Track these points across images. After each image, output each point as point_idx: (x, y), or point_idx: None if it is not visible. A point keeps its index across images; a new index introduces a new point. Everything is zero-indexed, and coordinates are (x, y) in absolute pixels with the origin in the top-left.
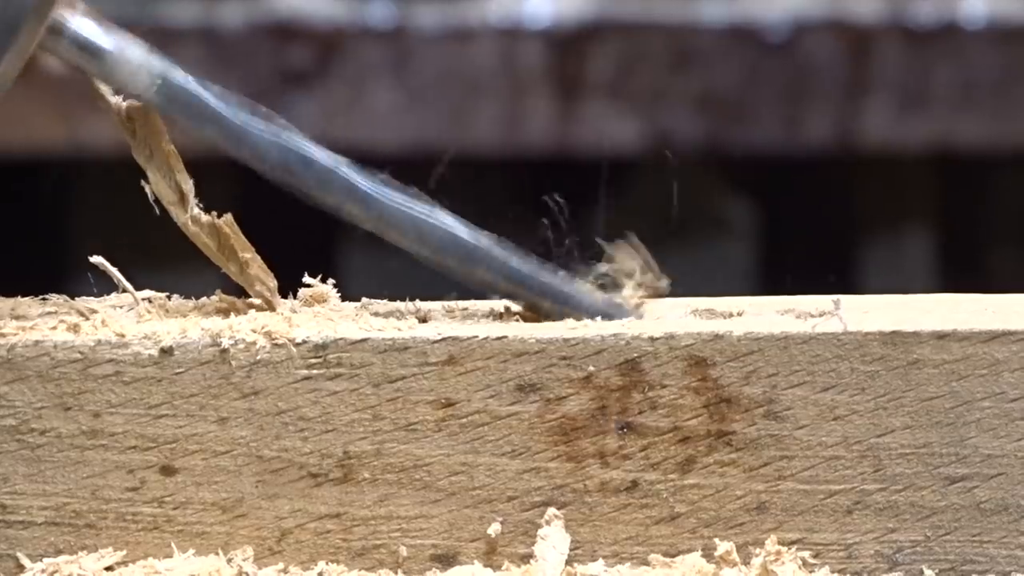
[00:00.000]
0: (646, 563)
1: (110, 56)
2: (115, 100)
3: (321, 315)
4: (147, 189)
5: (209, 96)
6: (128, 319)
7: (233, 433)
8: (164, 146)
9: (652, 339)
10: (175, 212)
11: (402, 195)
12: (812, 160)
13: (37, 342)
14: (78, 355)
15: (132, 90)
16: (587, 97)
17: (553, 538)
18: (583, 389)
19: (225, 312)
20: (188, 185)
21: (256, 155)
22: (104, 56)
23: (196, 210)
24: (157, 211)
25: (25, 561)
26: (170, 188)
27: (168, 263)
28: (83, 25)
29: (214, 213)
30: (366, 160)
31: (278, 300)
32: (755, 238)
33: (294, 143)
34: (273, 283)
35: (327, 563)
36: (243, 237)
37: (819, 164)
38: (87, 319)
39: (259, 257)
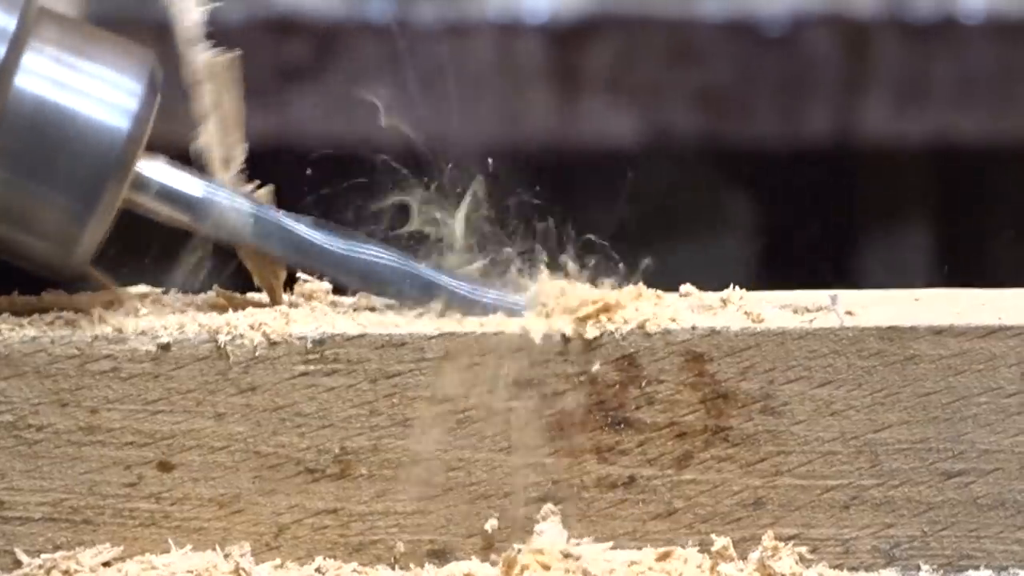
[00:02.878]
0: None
1: (200, 204)
2: (202, 56)
3: (318, 311)
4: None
5: (303, 228)
6: (125, 315)
7: (230, 429)
8: (233, 103)
9: (649, 334)
10: (216, 171)
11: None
12: (810, 155)
13: (34, 338)
14: (75, 351)
15: (225, 233)
16: (586, 92)
17: (550, 533)
18: (580, 385)
19: (222, 308)
20: (240, 149)
21: (358, 279)
22: (194, 205)
23: (237, 175)
24: (196, 166)
25: (22, 557)
26: (221, 145)
27: (165, 258)
28: (168, 176)
29: (256, 182)
30: (365, 155)
31: (280, 293)
32: (753, 233)
33: (391, 262)
34: (284, 273)
35: (324, 558)
36: None
37: (817, 159)
38: (84, 315)
39: None
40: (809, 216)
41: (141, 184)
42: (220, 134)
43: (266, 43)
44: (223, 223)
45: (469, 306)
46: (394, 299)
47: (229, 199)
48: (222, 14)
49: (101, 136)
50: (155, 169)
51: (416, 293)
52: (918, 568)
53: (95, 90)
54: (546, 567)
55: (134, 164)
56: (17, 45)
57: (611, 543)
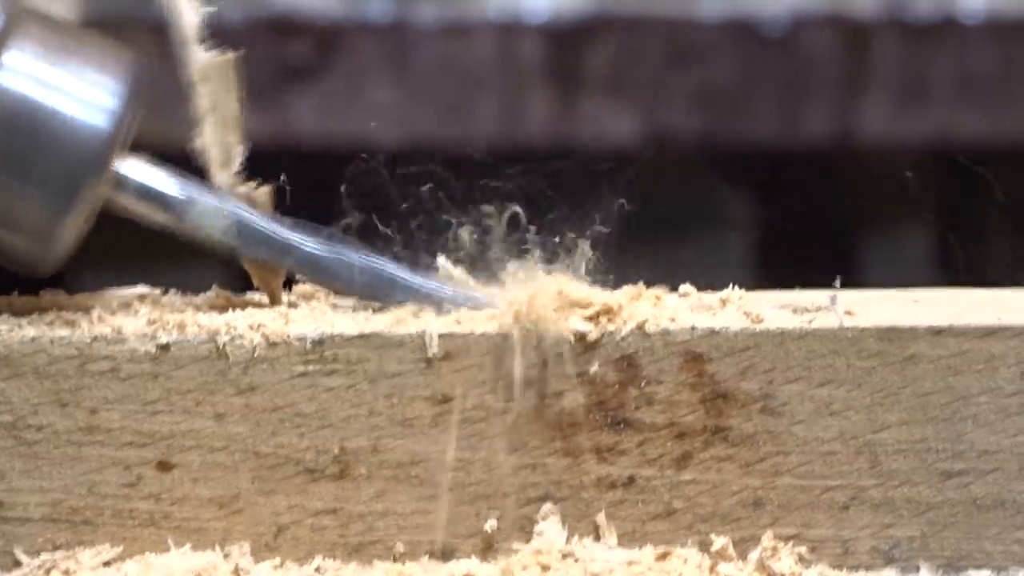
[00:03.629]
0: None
1: (180, 205)
2: (201, 56)
3: (317, 311)
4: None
5: (282, 231)
6: (125, 315)
7: (230, 429)
8: (232, 104)
9: (648, 335)
10: (214, 172)
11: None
12: (810, 155)
13: (34, 338)
14: (74, 351)
15: (205, 235)
16: (586, 92)
17: (549, 533)
18: (580, 385)
19: (222, 308)
20: (238, 150)
21: (337, 280)
22: (174, 206)
23: (235, 177)
24: (194, 167)
25: (22, 557)
26: (220, 145)
27: (164, 258)
28: (148, 176)
29: (252, 184)
30: (365, 155)
31: (280, 293)
32: (753, 233)
33: (365, 263)
34: (284, 274)
35: (324, 558)
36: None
37: (817, 159)
38: (84, 315)
39: None
40: (809, 216)
41: (120, 183)
42: (219, 134)
43: (266, 43)
44: (202, 224)
45: (437, 304)
46: (373, 301)
47: (209, 200)
48: (222, 14)
49: (80, 134)
50: (135, 169)
51: (399, 296)
52: (917, 568)
53: (76, 89)
54: (546, 567)
55: (113, 163)
56: None
57: (611, 543)
